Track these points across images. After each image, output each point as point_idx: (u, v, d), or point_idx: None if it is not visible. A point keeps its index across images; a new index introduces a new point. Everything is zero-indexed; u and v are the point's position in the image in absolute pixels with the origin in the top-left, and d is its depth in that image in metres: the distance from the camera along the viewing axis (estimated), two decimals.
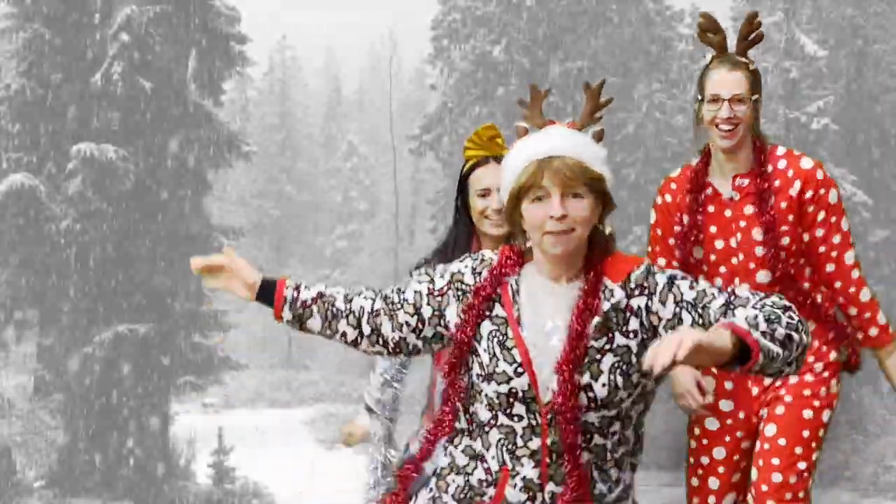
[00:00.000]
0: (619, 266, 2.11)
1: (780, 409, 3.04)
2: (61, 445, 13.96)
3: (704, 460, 3.15)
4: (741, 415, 3.11)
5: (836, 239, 3.00)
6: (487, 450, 2.12)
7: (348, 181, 47.79)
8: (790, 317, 1.96)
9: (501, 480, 2.09)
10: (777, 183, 3.02)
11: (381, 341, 2.20)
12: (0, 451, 13.27)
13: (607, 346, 2.06)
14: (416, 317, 2.17)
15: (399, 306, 2.18)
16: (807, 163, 3.06)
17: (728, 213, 3.05)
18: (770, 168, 3.04)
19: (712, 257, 3.07)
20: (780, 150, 3.11)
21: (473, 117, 25.06)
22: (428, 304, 2.17)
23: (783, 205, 3.00)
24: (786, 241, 3.01)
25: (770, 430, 3.04)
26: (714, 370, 2.99)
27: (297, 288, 2.38)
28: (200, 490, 14.71)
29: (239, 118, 46.53)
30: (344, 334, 2.23)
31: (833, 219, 3.00)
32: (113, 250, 13.43)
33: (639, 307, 2.08)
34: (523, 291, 2.13)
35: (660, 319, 2.07)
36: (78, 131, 13.34)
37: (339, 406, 28.27)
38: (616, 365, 2.04)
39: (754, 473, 3.03)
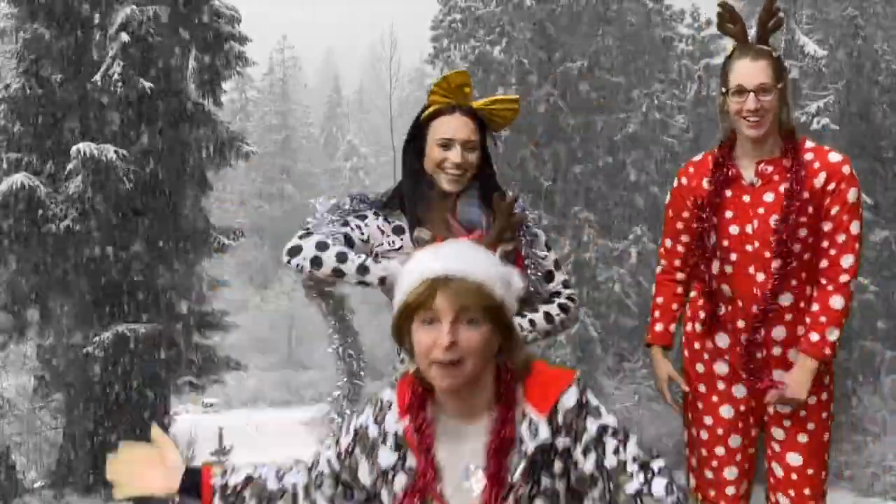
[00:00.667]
0: (544, 389, 1.84)
1: (802, 438, 3.08)
2: (61, 445, 13.97)
3: (720, 450, 3.10)
4: (752, 402, 3.10)
5: (841, 238, 2.93)
6: None
7: (348, 181, 47.88)
8: None
9: None
10: (802, 173, 2.97)
11: None
12: (0, 451, 13.28)
13: (534, 492, 1.80)
14: (339, 485, 1.99)
15: (320, 481, 2.01)
16: (835, 156, 3.01)
17: (747, 198, 2.99)
18: (796, 160, 2.99)
19: (725, 243, 3.00)
20: (809, 143, 3.05)
21: None
22: (342, 467, 1.99)
23: (805, 195, 2.95)
24: (803, 232, 2.95)
25: (795, 459, 3.08)
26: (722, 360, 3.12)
27: (224, 474, 2.10)
28: None
29: (239, 118, 46.61)
30: None
31: (845, 217, 2.94)
32: (113, 250, 13.43)
33: (563, 449, 1.81)
34: (437, 435, 1.87)
35: (576, 471, 1.82)
36: (78, 131, 13.34)
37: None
38: None
39: (776, 468, 3.08)
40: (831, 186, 2.96)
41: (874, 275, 20.63)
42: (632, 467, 1.78)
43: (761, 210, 2.98)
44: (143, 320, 13.44)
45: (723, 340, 3.08)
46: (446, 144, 2.76)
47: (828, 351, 2.91)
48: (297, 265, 2.87)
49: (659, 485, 1.77)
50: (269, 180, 47.26)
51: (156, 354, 13.53)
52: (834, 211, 2.95)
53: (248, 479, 2.07)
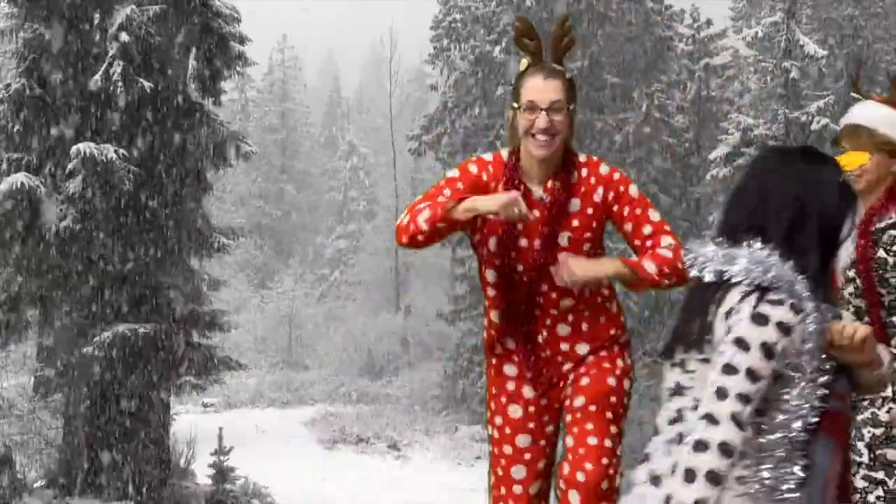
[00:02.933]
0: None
1: (584, 381, 3.09)
2: (61, 445, 13.97)
3: (508, 449, 3.14)
4: (544, 401, 3.14)
5: (647, 229, 3.03)
6: None
7: (348, 181, 47.86)
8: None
9: None
10: (582, 190, 3.05)
11: None
12: (0, 452, 13.28)
13: None
14: None
15: None
16: (605, 168, 3.10)
17: (536, 213, 3.03)
18: (576, 176, 3.07)
19: (512, 254, 3.07)
20: (582, 158, 3.13)
21: (473, 117, 25.08)
22: None
23: (589, 211, 3.05)
24: (587, 247, 3.05)
25: (579, 401, 3.06)
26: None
27: None
28: (200, 490, 14.71)
29: (239, 118, 46.60)
30: None
31: (638, 210, 3.04)
32: (113, 250, 13.44)
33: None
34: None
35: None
36: (78, 131, 13.34)
37: (339, 406, 28.32)
38: None
39: (569, 441, 3.03)
40: (611, 195, 3.05)
41: None
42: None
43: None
44: (143, 320, 13.43)
45: (510, 342, 3.16)
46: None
47: (630, 269, 2.96)
48: None
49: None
50: (269, 180, 47.25)
51: (156, 354, 13.53)
52: (626, 211, 3.05)
53: None
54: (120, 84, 12.66)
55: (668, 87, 24.76)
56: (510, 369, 3.18)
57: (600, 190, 3.06)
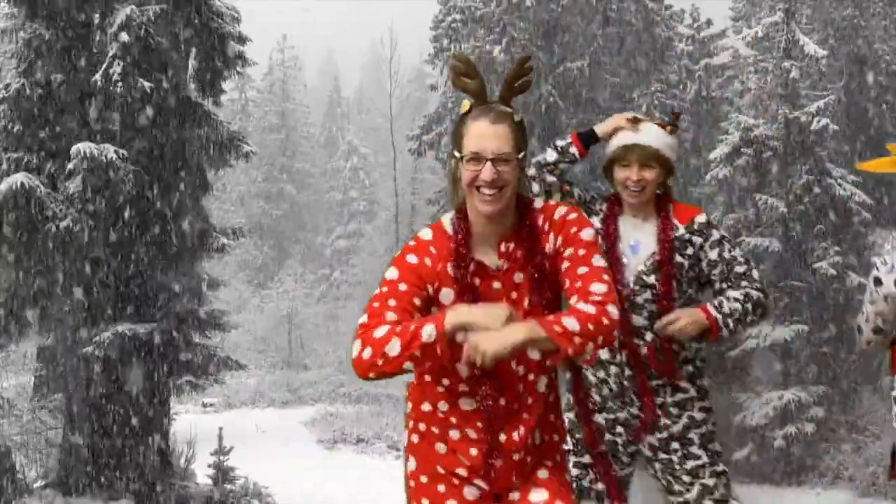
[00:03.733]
0: (683, 212, 3.59)
1: (543, 474, 2.75)
2: (61, 445, 13.97)
3: None
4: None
5: (582, 269, 2.57)
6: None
7: (348, 181, 47.86)
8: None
9: None
10: (542, 246, 2.65)
11: None
12: (0, 452, 13.28)
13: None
14: None
15: None
16: (560, 211, 2.67)
17: (497, 284, 2.63)
18: (533, 227, 2.66)
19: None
20: (538, 204, 2.70)
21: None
22: None
23: (547, 265, 2.64)
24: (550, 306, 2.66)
25: (539, 496, 2.70)
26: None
27: None
28: (200, 490, 14.71)
29: (239, 118, 46.61)
30: None
31: (581, 251, 2.59)
32: (113, 250, 13.44)
33: (695, 242, 3.68)
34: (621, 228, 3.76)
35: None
36: (78, 131, 13.34)
37: (339, 406, 28.32)
38: None
39: None
40: (560, 240, 2.62)
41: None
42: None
43: (515, 295, 2.63)
44: (143, 320, 13.44)
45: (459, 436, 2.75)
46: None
47: (546, 333, 2.42)
48: None
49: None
50: (269, 180, 47.26)
51: (156, 354, 13.53)
52: (568, 252, 2.61)
53: None
54: (120, 84, 12.66)
55: (668, 87, 24.76)
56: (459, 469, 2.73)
57: (552, 237, 2.64)
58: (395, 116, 42.28)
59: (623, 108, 23.82)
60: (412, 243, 2.67)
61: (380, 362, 2.43)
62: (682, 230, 3.59)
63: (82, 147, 12.40)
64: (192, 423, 17.73)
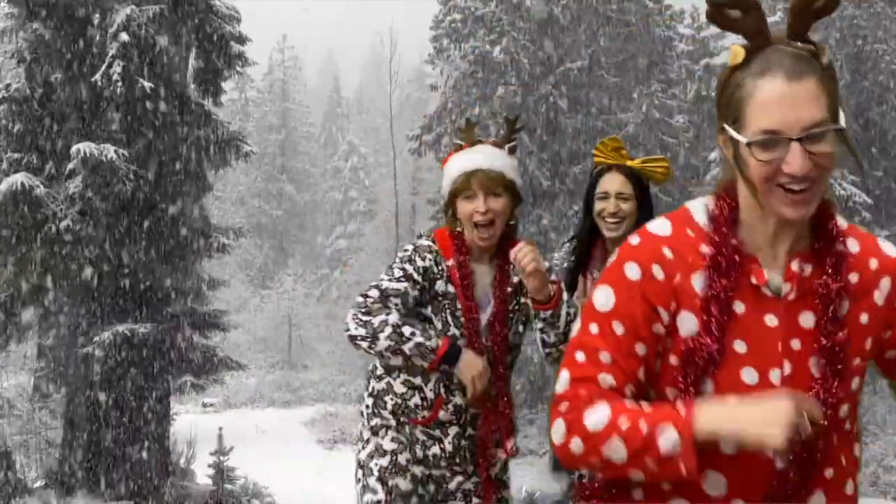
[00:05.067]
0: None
1: None
2: (61, 445, 13.97)
3: None
4: None
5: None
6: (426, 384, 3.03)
7: (348, 181, 47.86)
8: None
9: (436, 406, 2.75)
10: (854, 278, 1.71)
11: None
12: (0, 452, 13.27)
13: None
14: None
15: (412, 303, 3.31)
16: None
17: (772, 320, 1.66)
18: (841, 248, 1.72)
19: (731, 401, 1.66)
20: (843, 223, 1.75)
21: (473, 117, 25.07)
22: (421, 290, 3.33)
23: (863, 318, 1.70)
24: (855, 383, 1.71)
25: None
26: None
27: None
28: (200, 490, 14.70)
29: (239, 118, 46.60)
30: None
31: None
32: (113, 250, 13.44)
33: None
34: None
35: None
36: (78, 131, 13.34)
37: (339, 406, 28.32)
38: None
39: None
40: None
41: None
42: None
43: (795, 345, 1.68)
44: (143, 320, 13.44)
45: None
46: (604, 196, 3.40)
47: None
48: None
49: None
50: (269, 180, 47.27)
51: (156, 354, 13.53)
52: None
53: None
54: (120, 84, 12.66)
55: (668, 87, 24.76)
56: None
57: (886, 282, 1.77)
58: (395, 116, 42.26)
59: (624, 108, 23.84)
60: (635, 240, 1.72)
61: (596, 463, 1.63)
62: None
63: (82, 147, 12.39)
64: (192, 423, 17.73)
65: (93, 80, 13.00)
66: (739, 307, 1.65)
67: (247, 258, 42.99)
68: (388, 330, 2.96)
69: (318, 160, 52.48)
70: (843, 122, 1.64)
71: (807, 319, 1.65)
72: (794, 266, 1.67)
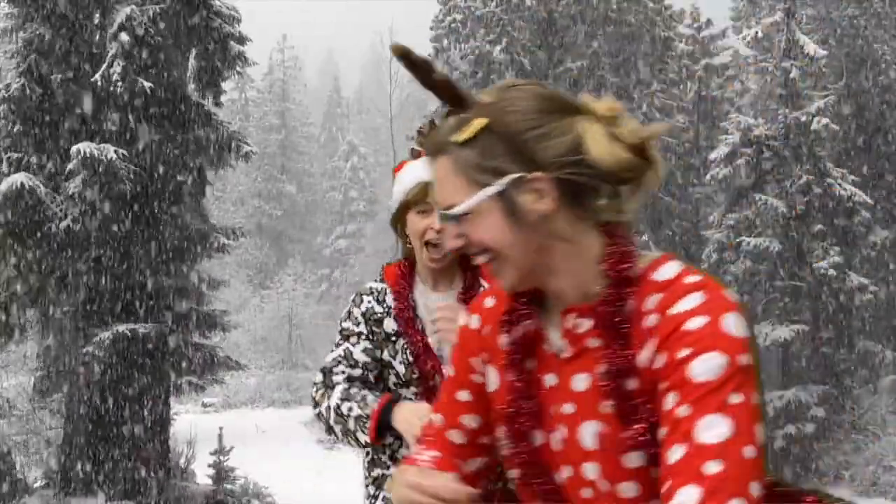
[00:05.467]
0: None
1: None
2: (61, 445, 13.97)
3: None
4: None
5: (678, 451, 1.37)
6: None
7: (348, 181, 47.87)
8: None
9: None
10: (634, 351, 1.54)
11: None
12: (0, 452, 13.28)
13: None
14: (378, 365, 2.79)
15: (368, 371, 2.74)
16: (683, 303, 1.39)
17: (552, 380, 1.51)
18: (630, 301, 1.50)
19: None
20: (645, 261, 1.47)
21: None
22: (374, 346, 2.73)
23: (633, 384, 1.48)
24: (636, 459, 1.44)
25: None
26: None
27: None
28: (200, 490, 14.71)
29: (239, 118, 46.60)
30: None
31: (683, 409, 1.35)
32: (113, 250, 13.44)
33: None
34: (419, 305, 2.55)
35: None
36: (78, 131, 13.35)
37: None
38: None
39: None
40: (660, 359, 1.40)
41: (874, 276, 20.63)
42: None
43: (567, 409, 1.52)
44: (143, 320, 13.44)
45: None
46: None
47: None
48: None
49: None
50: (269, 180, 47.26)
51: (156, 354, 13.53)
52: (669, 399, 1.32)
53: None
54: (120, 84, 12.66)
55: (668, 87, 24.76)
56: None
57: (652, 341, 1.56)
58: (395, 116, 42.25)
59: (624, 108, 23.84)
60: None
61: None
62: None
63: (82, 147, 12.40)
64: (192, 423, 17.73)
65: (93, 80, 13.00)
66: (531, 364, 1.52)
67: (247, 258, 42.97)
68: (332, 415, 2.54)
69: (318, 160, 52.48)
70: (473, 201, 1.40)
71: (583, 381, 1.46)
72: (568, 321, 1.48)
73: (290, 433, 24.11)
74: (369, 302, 2.64)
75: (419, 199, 2.54)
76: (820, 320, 19.14)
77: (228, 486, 14.78)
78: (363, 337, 2.62)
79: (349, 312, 2.66)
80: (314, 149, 52.98)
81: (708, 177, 20.59)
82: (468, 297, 2.55)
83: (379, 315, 2.63)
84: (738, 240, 19.14)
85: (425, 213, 2.54)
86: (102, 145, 12.54)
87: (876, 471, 17.43)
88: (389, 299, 2.64)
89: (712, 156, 20.24)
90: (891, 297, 21.15)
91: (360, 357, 2.61)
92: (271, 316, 36.98)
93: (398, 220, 2.63)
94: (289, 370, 33.77)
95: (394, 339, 2.62)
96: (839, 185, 19.16)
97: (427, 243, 2.54)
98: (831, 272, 18.38)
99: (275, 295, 38.02)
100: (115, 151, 12.50)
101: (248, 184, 46.45)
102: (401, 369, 2.60)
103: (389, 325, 2.62)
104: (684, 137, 24.65)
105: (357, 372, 2.61)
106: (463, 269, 2.64)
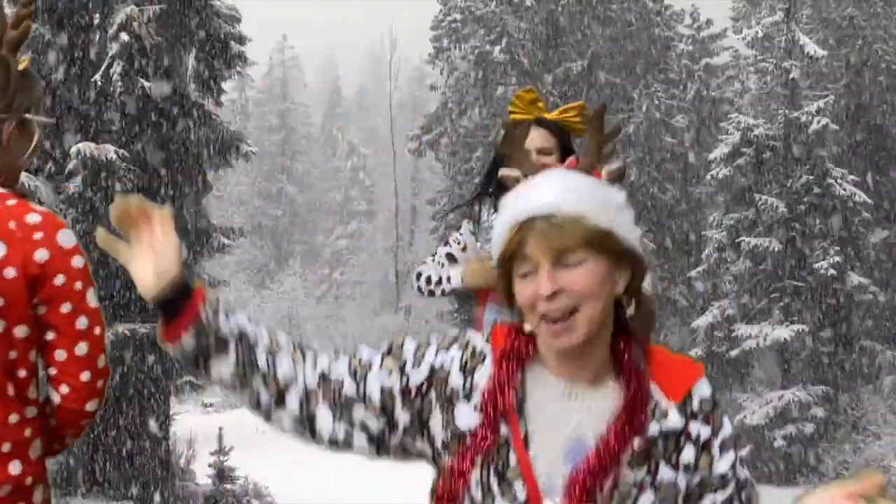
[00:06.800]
0: (672, 372, 1.51)
1: None
2: None
3: None
4: None
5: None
6: None
7: (348, 181, 47.89)
8: None
9: None
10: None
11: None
12: None
13: (648, 480, 1.47)
14: (384, 419, 1.57)
15: (364, 405, 1.59)
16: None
17: None
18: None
19: None
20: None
21: (473, 117, 25.08)
22: (403, 407, 1.56)
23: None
24: None
25: None
26: None
27: (223, 312, 1.63)
28: (200, 490, 14.71)
29: (239, 118, 46.60)
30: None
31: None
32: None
33: (699, 438, 1.50)
34: (531, 398, 1.50)
35: (709, 472, 1.50)
36: (78, 131, 13.35)
37: None
38: None
39: None
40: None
41: (874, 276, 20.63)
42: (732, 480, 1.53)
43: None
44: (144, 320, 13.44)
45: None
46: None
47: None
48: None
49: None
50: (269, 180, 47.26)
51: (156, 354, 13.53)
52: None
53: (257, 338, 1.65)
54: (120, 84, 12.66)
55: (668, 87, 24.77)
56: None
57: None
58: (395, 116, 42.27)
59: (623, 108, 23.83)
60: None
61: None
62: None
63: (82, 147, 12.40)
64: (192, 423, 17.73)
65: (93, 79, 13.00)
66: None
67: (247, 258, 42.98)
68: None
69: (318, 160, 52.48)
70: None
71: None
72: None
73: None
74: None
75: (515, 247, 1.52)
76: (820, 320, 19.14)
77: (228, 487, 14.78)
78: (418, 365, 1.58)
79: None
80: (314, 149, 52.98)
81: (708, 177, 20.59)
82: (635, 401, 1.54)
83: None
84: (738, 240, 19.16)
85: (527, 275, 1.59)
86: (102, 145, 12.54)
87: (876, 470, 17.44)
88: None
89: (712, 156, 20.24)
90: (891, 298, 21.15)
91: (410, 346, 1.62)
92: (271, 316, 36.99)
93: (502, 277, 1.64)
94: None
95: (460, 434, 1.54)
96: (839, 185, 19.16)
97: (543, 317, 1.56)
98: (831, 272, 18.38)
99: (275, 295, 38.02)
100: (115, 151, 12.50)
101: (248, 184, 46.45)
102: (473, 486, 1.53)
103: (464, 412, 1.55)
104: (684, 137, 24.66)
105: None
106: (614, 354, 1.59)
